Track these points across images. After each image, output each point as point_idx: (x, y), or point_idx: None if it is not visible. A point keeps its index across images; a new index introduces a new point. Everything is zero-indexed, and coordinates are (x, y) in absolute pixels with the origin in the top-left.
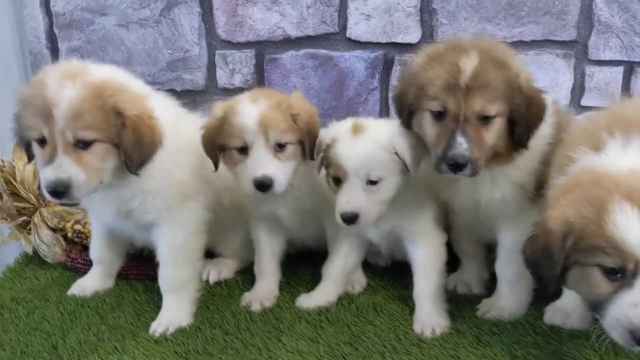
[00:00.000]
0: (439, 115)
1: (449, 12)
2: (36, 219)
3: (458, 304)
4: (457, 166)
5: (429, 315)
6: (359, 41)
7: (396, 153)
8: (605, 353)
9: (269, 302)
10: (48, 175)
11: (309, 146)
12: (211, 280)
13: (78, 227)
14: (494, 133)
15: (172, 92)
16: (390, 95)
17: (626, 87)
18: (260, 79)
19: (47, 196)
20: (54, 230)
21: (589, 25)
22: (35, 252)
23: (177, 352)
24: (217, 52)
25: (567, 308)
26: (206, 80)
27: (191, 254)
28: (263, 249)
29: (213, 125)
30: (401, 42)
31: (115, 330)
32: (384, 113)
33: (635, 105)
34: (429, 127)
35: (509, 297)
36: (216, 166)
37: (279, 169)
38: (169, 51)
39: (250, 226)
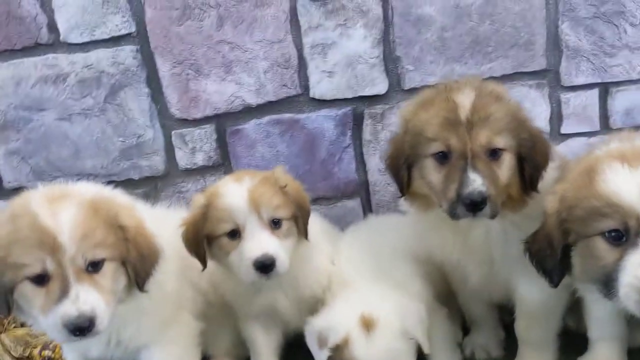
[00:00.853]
0: (443, 157)
1: (414, 57)
2: None
3: None
4: (475, 205)
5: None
6: (324, 100)
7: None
8: None
9: None
10: (68, 311)
11: (303, 222)
12: None
13: (47, 353)
14: (505, 170)
15: (130, 181)
16: (383, 161)
17: (603, 109)
18: (224, 153)
19: (62, 337)
20: (19, 359)
21: (557, 52)
22: None
23: None
24: (173, 132)
25: None
26: (166, 164)
27: None
28: (260, 349)
29: (196, 216)
30: (369, 94)
31: None
32: (360, 170)
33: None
34: (432, 173)
35: (536, 358)
36: (205, 263)
37: (279, 247)
38: (120, 139)
39: (241, 327)
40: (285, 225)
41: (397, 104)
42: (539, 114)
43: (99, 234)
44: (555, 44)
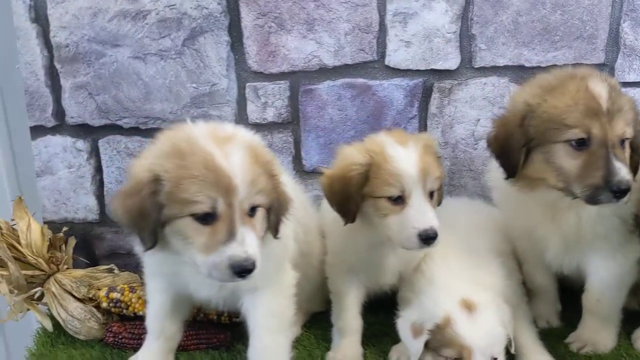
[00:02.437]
0: (581, 144)
1: (488, 37)
2: (53, 288)
3: (546, 340)
4: (622, 192)
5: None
6: (398, 69)
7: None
8: None
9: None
10: (236, 252)
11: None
12: None
13: (115, 295)
14: (627, 158)
15: None
16: (490, 141)
17: None
18: (294, 112)
19: (224, 277)
20: (82, 301)
21: (616, 49)
22: (56, 327)
23: None
24: (247, 84)
25: None
26: (236, 116)
27: (287, 321)
28: (349, 304)
29: (352, 172)
30: (440, 68)
31: None
32: None
33: None
34: (567, 159)
35: (602, 330)
36: (354, 218)
37: (436, 219)
38: (194, 85)
39: (331, 277)
40: (436, 196)
41: (465, 81)
42: None
43: (262, 180)
44: (614, 41)
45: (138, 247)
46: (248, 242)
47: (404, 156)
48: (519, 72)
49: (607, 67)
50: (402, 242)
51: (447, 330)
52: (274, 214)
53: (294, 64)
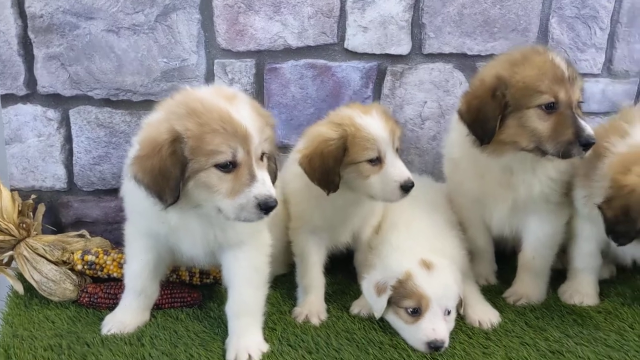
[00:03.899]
0: (551, 108)
1: (436, 26)
2: (25, 252)
3: (487, 296)
4: (589, 146)
5: (482, 311)
6: (355, 52)
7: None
8: (632, 322)
9: (324, 314)
10: (262, 191)
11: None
12: None
13: (90, 257)
14: None
15: None
16: (462, 113)
17: None
18: (259, 88)
19: (252, 217)
20: (55, 263)
21: (545, 41)
22: (27, 290)
23: None
24: (216, 61)
25: (581, 289)
26: None
27: (265, 277)
28: (312, 263)
29: (331, 146)
30: (393, 53)
31: None
32: None
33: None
34: (539, 122)
35: (534, 285)
36: (337, 188)
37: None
38: (164, 60)
39: (295, 239)
40: (399, 152)
41: (415, 66)
42: None
43: (266, 130)
44: (544, 35)
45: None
46: (267, 182)
47: (373, 122)
48: (462, 60)
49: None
50: (386, 195)
51: (407, 283)
52: (273, 161)
53: (260, 44)
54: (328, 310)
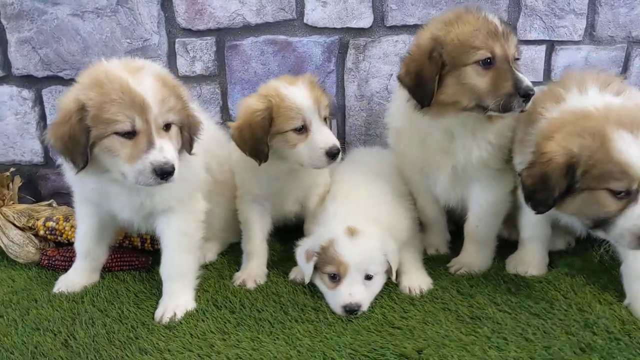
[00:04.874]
0: (488, 63)
1: None
2: None
3: (432, 265)
4: (529, 97)
5: (414, 278)
6: (315, 27)
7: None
8: (567, 291)
9: (262, 279)
10: (157, 157)
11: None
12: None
13: (51, 224)
14: None
15: None
16: (402, 77)
17: (548, 63)
18: (221, 65)
19: (149, 181)
20: (22, 229)
21: (517, 9)
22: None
23: (193, 335)
24: (177, 40)
25: (526, 259)
26: (168, 69)
27: (196, 242)
28: (255, 230)
29: (258, 117)
30: (355, 27)
31: (121, 321)
32: (340, 95)
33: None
34: (478, 78)
35: (478, 254)
36: (266, 157)
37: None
38: (128, 40)
39: (240, 208)
40: (329, 122)
41: (378, 38)
42: None
43: (171, 101)
44: (516, 2)
45: (70, 173)
46: (166, 149)
47: (297, 92)
48: None
49: (509, 26)
50: (313, 162)
51: (329, 250)
52: (186, 131)
53: (219, 22)
54: (269, 276)
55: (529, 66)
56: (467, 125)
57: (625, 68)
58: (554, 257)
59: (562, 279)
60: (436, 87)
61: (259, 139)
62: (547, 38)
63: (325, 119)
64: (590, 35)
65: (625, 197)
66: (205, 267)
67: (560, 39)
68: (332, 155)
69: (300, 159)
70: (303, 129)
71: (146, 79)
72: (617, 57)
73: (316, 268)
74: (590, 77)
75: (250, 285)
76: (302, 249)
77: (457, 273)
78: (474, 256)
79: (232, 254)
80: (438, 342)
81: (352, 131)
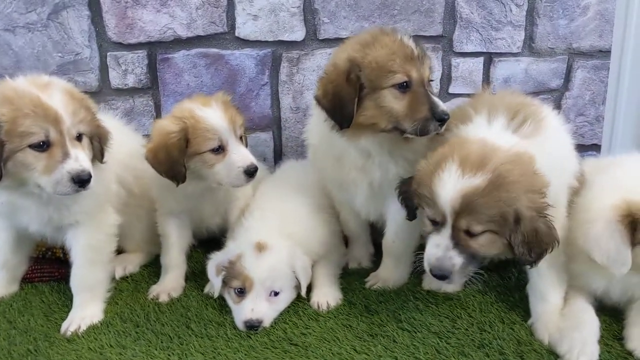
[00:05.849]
0: (405, 87)
1: (330, 11)
2: None
3: (350, 279)
4: (444, 121)
5: (323, 293)
6: (247, 40)
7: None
8: (472, 310)
9: (177, 292)
10: (74, 167)
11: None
12: (117, 276)
13: None
14: None
15: None
16: (320, 99)
17: (486, 75)
18: (153, 78)
19: (68, 190)
20: None
21: (452, 22)
22: None
23: (91, 348)
24: (108, 53)
25: None
26: (99, 82)
27: (105, 256)
28: (172, 243)
29: (173, 139)
30: (287, 40)
31: (26, 333)
32: (274, 107)
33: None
34: (395, 101)
35: (394, 269)
36: (184, 179)
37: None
38: (59, 54)
39: (158, 221)
40: (244, 140)
41: (311, 51)
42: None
43: (81, 112)
44: (451, 14)
45: None
46: (81, 158)
47: (212, 114)
48: None
49: (445, 39)
50: (232, 181)
51: (236, 264)
52: (96, 141)
53: (150, 35)
54: (186, 289)
55: (467, 78)
56: (384, 144)
57: (567, 80)
58: (473, 274)
59: (474, 296)
60: (355, 109)
61: (175, 161)
62: (485, 50)
63: (241, 137)
64: (530, 47)
65: None
66: (124, 279)
67: (498, 51)
68: (250, 173)
69: (218, 179)
70: (220, 149)
71: (56, 93)
72: (558, 68)
73: (225, 282)
74: (500, 105)
75: (163, 298)
76: (213, 262)
77: (371, 288)
78: (391, 271)
79: (156, 265)
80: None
81: (289, 143)
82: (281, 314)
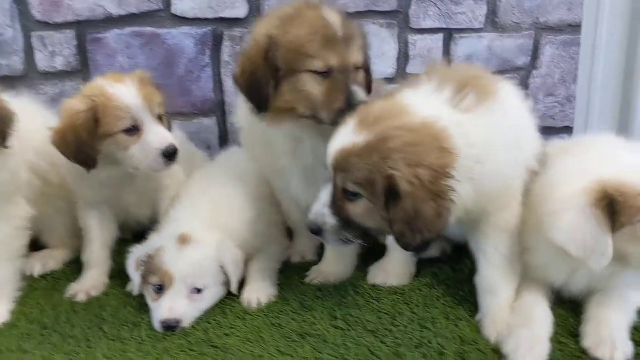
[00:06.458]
0: (324, 72)
1: None
2: None
3: (290, 274)
4: None
5: (255, 289)
6: (185, 17)
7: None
8: (416, 306)
9: (97, 291)
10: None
11: (168, 119)
12: (35, 273)
13: None
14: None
15: None
16: (237, 77)
17: (446, 53)
18: (83, 60)
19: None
20: None
21: None
22: None
23: None
24: (33, 34)
25: (388, 268)
26: (24, 65)
27: (13, 251)
28: (93, 237)
29: (81, 119)
30: (229, 17)
31: None
32: (217, 90)
33: None
34: (314, 86)
35: (336, 263)
36: (95, 164)
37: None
38: None
39: (78, 213)
40: (165, 120)
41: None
42: (388, 52)
43: None
44: None
45: None
46: None
47: (124, 91)
48: None
49: (401, 14)
50: (149, 165)
51: (155, 259)
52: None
53: (78, 14)
54: (109, 286)
55: (425, 57)
56: (314, 127)
57: (534, 57)
58: (424, 266)
59: (420, 290)
60: (271, 92)
61: (84, 143)
62: (444, 26)
63: (160, 117)
64: (493, 22)
65: None
66: (43, 276)
67: (458, 27)
68: (168, 155)
69: (135, 163)
70: (134, 130)
71: None
72: (524, 45)
73: (144, 278)
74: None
75: (81, 297)
76: (133, 256)
77: (311, 283)
78: (334, 265)
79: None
80: None
81: (234, 129)
82: (207, 312)
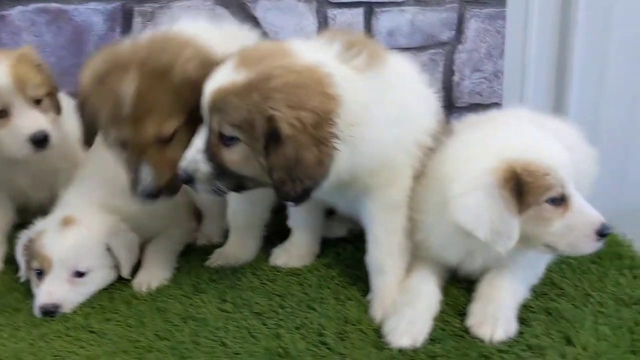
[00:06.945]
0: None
1: None
2: None
3: (192, 256)
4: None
5: (146, 273)
6: None
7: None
8: (309, 286)
9: None
10: None
11: (56, 101)
12: None
13: None
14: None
15: None
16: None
17: (367, 28)
18: None
19: None
20: None
21: None
22: None
23: None
24: None
25: (291, 249)
26: None
27: None
28: None
29: None
30: None
31: None
32: None
33: None
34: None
35: (240, 245)
36: None
37: (48, 123)
38: None
39: None
40: (45, 102)
41: (168, 4)
42: (306, 27)
43: None
44: None
45: None
46: None
47: None
48: None
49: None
50: (16, 152)
51: (36, 242)
52: None
53: None
54: (5, 273)
55: None
56: None
57: (459, 31)
58: (328, 245)
59: (318, 271)
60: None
61: None
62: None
63: (39, 100)
64: None
65: None
66: None
67: (380, 1)
68: (37, 142)
69: (2, 148)
70: (2, 113)
71: None
72: (448, 19)
73: (27, 263)
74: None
75: None
76: (22, 240)
77: (211, 266)
78: (237, 247)
79: None
80: (112, 349)
81: None
82: (93, 296)
